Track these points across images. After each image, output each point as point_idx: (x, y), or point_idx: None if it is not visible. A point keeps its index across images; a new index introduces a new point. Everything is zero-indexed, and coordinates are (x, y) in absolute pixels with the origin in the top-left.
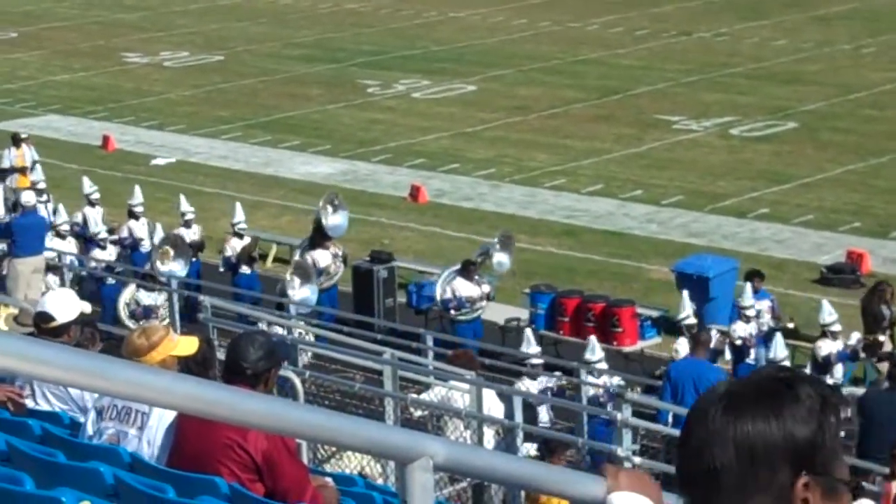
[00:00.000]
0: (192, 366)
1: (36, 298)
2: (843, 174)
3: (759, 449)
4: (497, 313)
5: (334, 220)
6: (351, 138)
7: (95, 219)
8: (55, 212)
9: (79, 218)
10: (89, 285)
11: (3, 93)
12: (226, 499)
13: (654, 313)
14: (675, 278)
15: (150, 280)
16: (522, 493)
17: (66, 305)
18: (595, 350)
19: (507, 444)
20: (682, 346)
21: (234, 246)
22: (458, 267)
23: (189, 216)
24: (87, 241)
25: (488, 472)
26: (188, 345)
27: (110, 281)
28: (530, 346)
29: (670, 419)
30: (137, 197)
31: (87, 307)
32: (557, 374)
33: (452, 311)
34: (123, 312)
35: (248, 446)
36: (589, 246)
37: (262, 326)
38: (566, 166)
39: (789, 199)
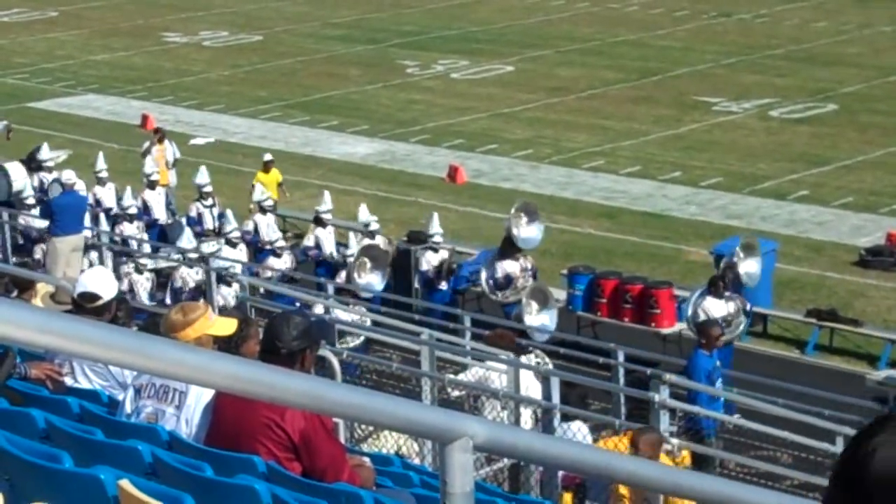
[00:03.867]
0: (222, 346)
1: (74, 277)
2: (883, 156)
3: None
4: None
5: (528, 231)
6: (389, 119)
7: (270, 224)
8: (222, 216)
9: (250, 226)
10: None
11: (43, 72)
12: (263, 477)
13: None
14: (714, 260)
15: (348, 295)
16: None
17: (107, 284)
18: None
19: (544, 424)
20: None
21: (430, 260)
22: (704, 287)
23: (373, 226)
24: (258, 249)
25: (527, 453)
26: (226, 325)
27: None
28: None
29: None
30: (327, 203)
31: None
32: None
33: None
34: None
35: (286, 425)
36: (627, 227)
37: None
38: (604, 147)
39: (829, 182)
